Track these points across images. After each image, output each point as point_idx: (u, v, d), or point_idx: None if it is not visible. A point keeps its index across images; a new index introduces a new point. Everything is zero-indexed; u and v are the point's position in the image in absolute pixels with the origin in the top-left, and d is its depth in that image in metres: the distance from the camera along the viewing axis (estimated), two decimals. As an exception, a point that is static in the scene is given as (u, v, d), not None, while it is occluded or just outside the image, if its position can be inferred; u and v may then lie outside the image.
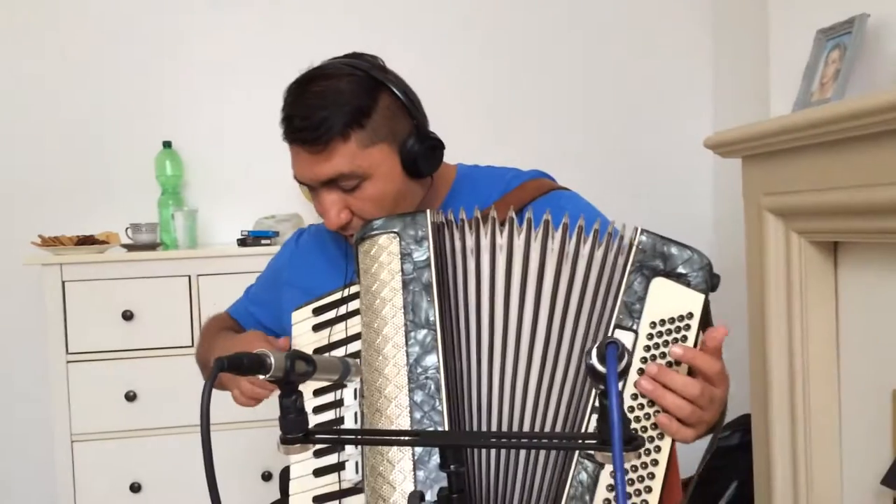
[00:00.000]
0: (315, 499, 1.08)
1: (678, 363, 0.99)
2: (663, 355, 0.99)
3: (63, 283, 2.25)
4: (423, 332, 1.05)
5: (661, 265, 1.03)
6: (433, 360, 1.03)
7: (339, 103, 1.18)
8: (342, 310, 1.16)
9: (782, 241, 1.95)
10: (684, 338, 1.00)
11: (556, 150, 2.71)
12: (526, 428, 1.03)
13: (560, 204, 1.16)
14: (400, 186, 1.24)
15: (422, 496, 0.77)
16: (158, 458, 2.27)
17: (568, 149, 2.75)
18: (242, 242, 2.40)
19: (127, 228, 2.43)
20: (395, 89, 1.22)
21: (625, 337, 1.00)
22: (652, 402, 0.98)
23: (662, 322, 1.01)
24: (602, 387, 0.73)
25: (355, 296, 1.14)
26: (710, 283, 1.03)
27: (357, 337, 1.11)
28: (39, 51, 2.58)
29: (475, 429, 1.04)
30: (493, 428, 1.04)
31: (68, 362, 2.25)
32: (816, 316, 1.90)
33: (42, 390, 2.34)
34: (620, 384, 0.97)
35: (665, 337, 1.00)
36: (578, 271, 1.06)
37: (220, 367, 0.75)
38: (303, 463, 1.09)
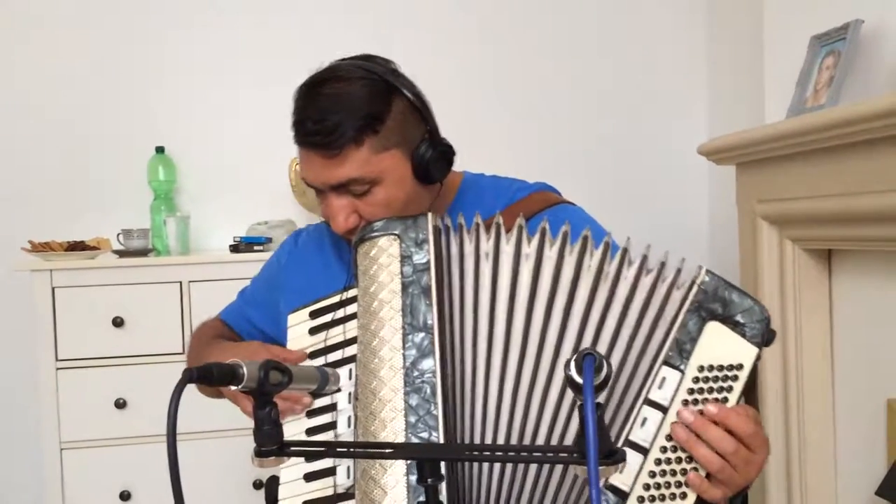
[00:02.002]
0: None
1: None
2: (706, 401, 0.97)
3: (53, 289, 2.23)
4: (421, 335, 1.03)
5: (720, 310, 1.00)
6: (430, 363, 1.01)
7: (353, 108, 1.15)
8: (340, 313, 1.14)
9: (776, 248, 1.93)
10: (730, 388, 0.97)
11: (551, 157, 2.70)
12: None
13: (565, 217, 1.13)
14: (410, 192, 1.22)
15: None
16: (148, 465, 2.24)
17: (563, 156, 2.73)
18: (235, 248, 2.39)
19: (118, 234, 2.41)
20: (408, 94, 1.20)
21: (670, 375, 0.98)
22: (680, 459, 0.96)
23: (711, 368, 0.98)
24: (581, 399, 0.71)
25: (354, 299, 1.12)
26: (766, 337, 1.00)
27: (354, 341, 1.10)
28: (32, 55, 2.57)
29: (475, 437, 1.01)
30: (500, 439, 1.01)
31: (58, 369, 2.23)
32: (810, 323, 1.89)
33: (31, 397, 2.32)
34: (658, 419, 0.96)
35: (711, 384, 0.98)
36: (618, 295, 1.03)
37: (188, 378, 0.73)
38: (293, 467, 1.08)
